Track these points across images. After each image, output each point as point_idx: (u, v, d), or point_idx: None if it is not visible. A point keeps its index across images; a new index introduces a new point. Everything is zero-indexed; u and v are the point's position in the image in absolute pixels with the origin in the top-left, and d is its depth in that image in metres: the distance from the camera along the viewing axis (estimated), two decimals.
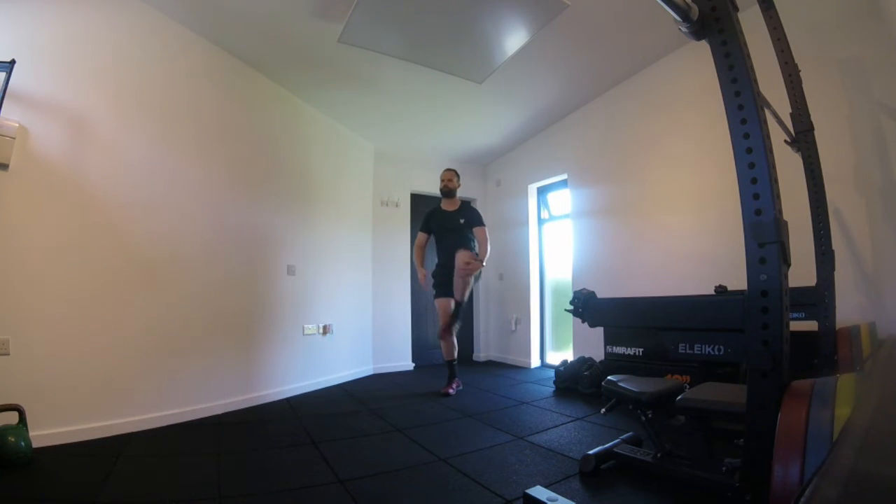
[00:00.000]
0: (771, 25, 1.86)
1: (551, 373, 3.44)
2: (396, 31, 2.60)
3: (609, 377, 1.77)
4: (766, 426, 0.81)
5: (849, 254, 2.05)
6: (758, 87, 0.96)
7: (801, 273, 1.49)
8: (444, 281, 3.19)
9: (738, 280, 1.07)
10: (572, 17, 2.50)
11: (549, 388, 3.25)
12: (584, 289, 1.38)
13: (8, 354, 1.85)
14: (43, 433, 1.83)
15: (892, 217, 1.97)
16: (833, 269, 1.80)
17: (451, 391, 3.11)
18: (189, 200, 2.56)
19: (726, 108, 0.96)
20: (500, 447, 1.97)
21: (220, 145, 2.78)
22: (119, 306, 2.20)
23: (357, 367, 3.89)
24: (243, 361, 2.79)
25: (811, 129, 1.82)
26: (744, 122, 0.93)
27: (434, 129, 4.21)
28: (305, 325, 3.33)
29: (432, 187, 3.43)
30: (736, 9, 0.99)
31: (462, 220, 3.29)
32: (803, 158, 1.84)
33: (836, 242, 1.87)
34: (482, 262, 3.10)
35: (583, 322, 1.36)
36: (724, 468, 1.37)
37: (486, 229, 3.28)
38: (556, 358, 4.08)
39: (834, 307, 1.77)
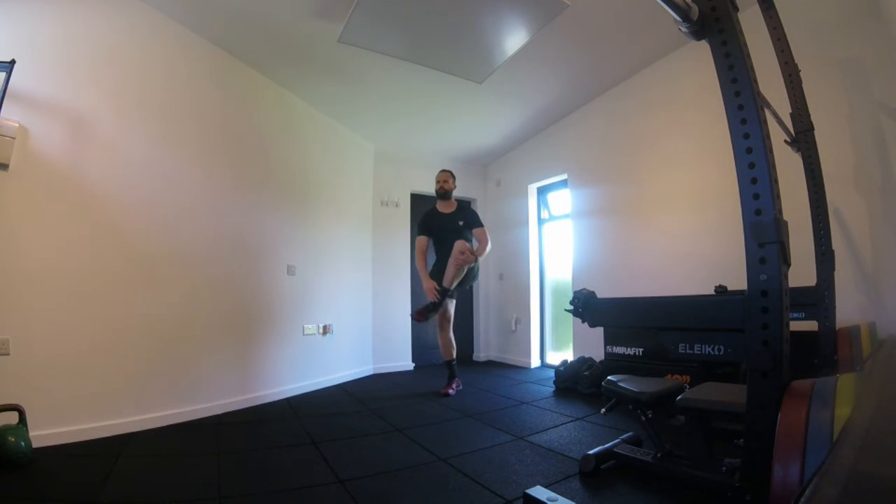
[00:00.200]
0: (771, 25, 1.86)
1: (551, 373, 3.44)
2: (396, 30, 2.60)
3: (609, 377, 1.77)
4: (766, 426, 0.81)
5: (849, 254, 2.05)
6: (758, 87, 0.96)
7: (801, 273, 1.49)
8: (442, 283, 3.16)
9: (738, 280, 1.07)
10: (572, 17, 2.50)
11: (549, 388, 3.25)
12: (584, 289, 1.38)
13: (8, 354, 1.85)
14: (43, 433, 1.83)
15: (892, 217, 1.97)
16: (833, 269, 1.80)
17: (451, 391, 3.11)
18: (189, 200, 2.56)
19: (726, 108, 0.96)
20: (500, 447, 1.97)
21: (221, 145, 2.78)
22: (119, 306, 2.20)
23: (357, 367, 3.89)
24: (243, 361, 2.79)
25: (811, 129, 1.82)
26: (744, 122, 0.93)
27: (434, 129, 4.22)
28: (305, 325, 3.33)
29: (432, 187, 3.42)
30: (736, 9, 0.99)
31: (461, 222, 3.26)
32: (803, 158, 1.84)
33: (836, 242, 1.87)
34: (477, 257, 3.07)
35: (583, 322, 1.36)
36: (724, 468, 1.37)
37: (486, 230, 3.28)
38: (556, 358, 4.08)
39: (834, 307, 1.77)
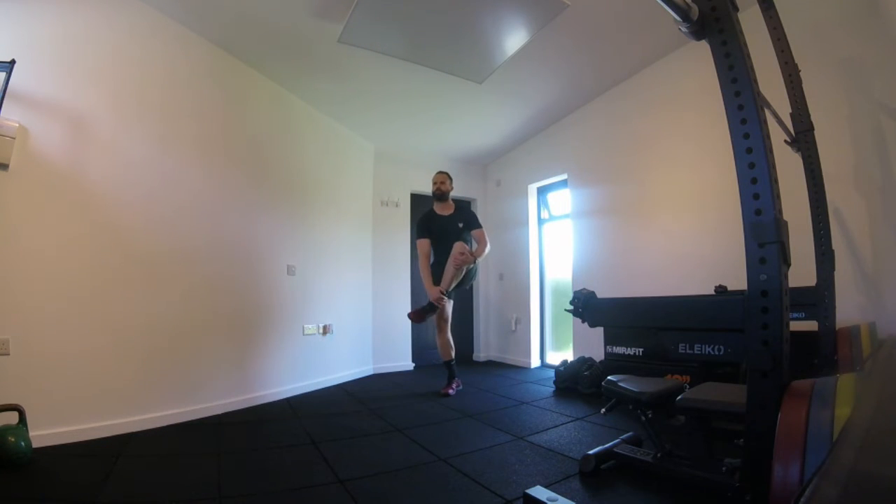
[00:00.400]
0: (771, 25, 1.86)
1: (551, 373, 3.44)
2: (396, 31, 2.60)
3: (609, 377, 1.77)
4: (766, 426, 0.81)
5: (849, 254, 2.05)
6: (758, 87, 0.96)
7: (801, 273, 1.49)
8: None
9: (738, 280, 1.07)
10: (572, 17, 2.50)
11: (549, 388, 3.24)
12: (584, 289, 1.38)
13: (8, 354, 1.85)
14: (43, 433, 1.83)
15: (892, 217, 1.97)
16: (833, 269, 1.80)
17: (451, 392, 3.10)
18: (189, 200, 2.56)
19: (726, 109, 0.96)
20: (500, 447, 1.97)
21: (221, 145, 2.78)
22: (119, 306, 2.20)
23: (357, 367, 3.89)
24: (243, 361, 2.79)
25: (811, 129, 1.82)
26: (744, 122, 0.93)
27: (434, 129, 4.22)
28: (305, 325, 3.33)
29: (431, 193, 3.41)
30: (736, 9, 0.99)
31: (461, 224, 3.25)
32: (803, 158, 1.84)
33: (836, 242, 1.87)
34: (476, 258, 3.07)
35: (583, 322, 1.36)
36: (724, 468, 1.37)
37: (485, 231, 3.28)
38: (556, 358, 4.08)
39: (834, 307, 1.77)
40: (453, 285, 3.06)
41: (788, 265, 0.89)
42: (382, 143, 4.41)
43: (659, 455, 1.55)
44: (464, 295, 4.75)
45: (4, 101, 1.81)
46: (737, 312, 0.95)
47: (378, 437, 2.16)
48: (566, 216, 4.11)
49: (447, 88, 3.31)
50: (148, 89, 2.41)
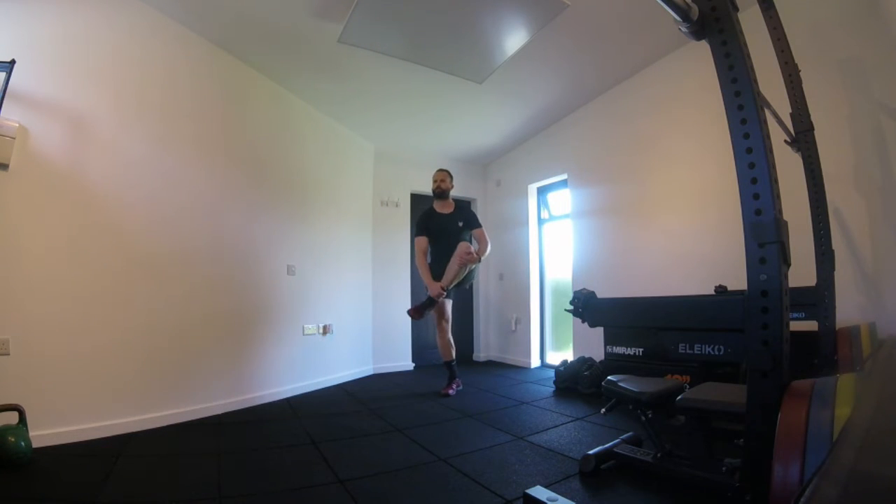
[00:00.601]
0: (771, 25, 1.86)
1: (551, 373, 3.44)
2: (396, 31, 2.60)
3: (609, 377, 1.77)
4: (766, 426, 0.81)
5: (849, 254, 2.05)
6: (758, 87, 0.96)
7: (801, 273, 1.49)
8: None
9: (738, 280, 1.07)
10: (572, 17, 2.50)
11: (549, 388, 3.24)
12: (584, 289, 1.38)
13: (8, 354, 1.85)
14: (43, 433, 1.83)
15: (892, 217, 1.97)
16: (833, 269, 1.80)
17: (451, 392, 3.10)
18: (189, 200, 2.56)
19: (726, 109, 0.96)
20: (500, 447, 1.97)
21: (221, 145, 2.78)
22: (119, 306, 2.20)
23: (357, 367, 3.89)
24: (243, 361, 2.79)
25: (811, 129, 1.82)
26: (744, 122, 0.93)
27: (434, 128, 4.22)
28: (305, 325, 3.33)
29: (431, 187, 3.42)
30: (736, 9, 0.99)
31: (461, 223, 3.25)
32: (803, 158, 1.84)
33: (836, 242, 1.87)
34: (480, 258, 3.08)
35: (583, 322, 1.36)
36: (724, 468, 1.37)
37: (485, 231, 3.28)
38: (556, 358, 4.08)
39: (834, 307, 1.77)
40: (454, 283, 3.06)
41: (788, 265, 0.89)
42: (382, 143, 4.41)
43: (659, 455, 1.55)
44: (464, 295, 4.75)
45: (4, 101, 1.81)
46: (737, 312, 0.95)
47: (378, 437, 2.16)
48: (566, 216, 4.11)
49: (447, 88, 3.31)
50: (148, 89, 2.41)
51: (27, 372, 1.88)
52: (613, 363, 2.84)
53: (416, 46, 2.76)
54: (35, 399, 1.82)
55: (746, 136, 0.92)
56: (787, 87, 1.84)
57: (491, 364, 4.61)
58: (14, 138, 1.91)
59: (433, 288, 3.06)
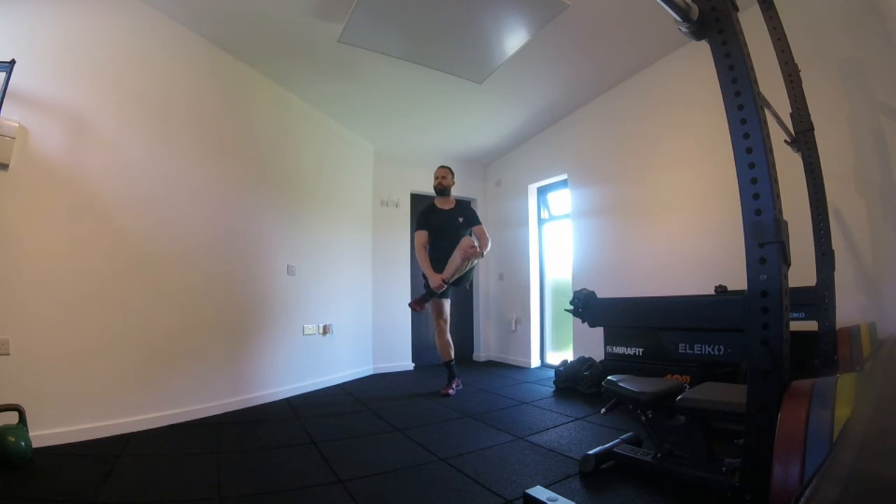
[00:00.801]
0: (771, 25, 1.86)
1: (551, 373, 3.44)
2: (396, 31, 2.60)
3: (609, 377, 1.77)
4: (766, 426, 0.81)
5: (849, 254, 2.05)
6: (758, 87, 0.96)
7: (801, 273, 1.49)
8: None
9: (738, 280, 1.07)
10: (572, 17, 2.50)
11: (549, 388, 3.24)
12: (584, 289, 1.38)
13: (8, 354, 1.85)
14: (43, 433, 1.83)
15: (892, 217, 1.97)
16: (833, 269, 1.80)
17: (451, 392, 3.10)
18: (189, 200, 2.56)
19: (726, 109, 0.96)
20: (500, 447, 1.97)
21: (221, 145, 2.78)
22: (119, 306, 2.20)
23: (357, 368, 3.89)
24: (242, 361, 2.79)
25: (811, 129, 1.82)
26: (744, 122, 0.93)
27: (434, 128, 4.22)
28: (305, 325, 3.33)
29: (432, 187, 3.42)
30: (736, 9, 0.99)
31: (461, 219, 3.27)
32: (803, 158, 1.84)
33: (836, 242, 1.87)
34: (482, 253, 3.09)
35: (583, 322, 1.36)
36: (724, 468, 1.37)
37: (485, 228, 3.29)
38: (556, 358, 4.08)
39: (834, 307, 1.77)
40: (454, 277, 3.06)
41: (788, 265, 0.89)
42: (382, 143, 4.41)
43: (659, 455, 1.55)
44: (464, 295, 4.76)
45: (4, 101, 1.81)
46: (737, 312, 0.95)
47: (378, 437, 2.16)
48: (566, 216, 4.11)
49: (447, 88, 3.31)
50: (148, 89, 2.41)
51: (27, 372, 1.88)
52: (613, 363, 2.84)
53: (416, 46, 2.76)
54: (35, 399, 1.82)
55: (746, 136, 0.92)
56: (787, 87, 1.84)
57: (491, 364, 4.61)
58: (14, 138, 1.91)
59: (434, 279, 3.06)
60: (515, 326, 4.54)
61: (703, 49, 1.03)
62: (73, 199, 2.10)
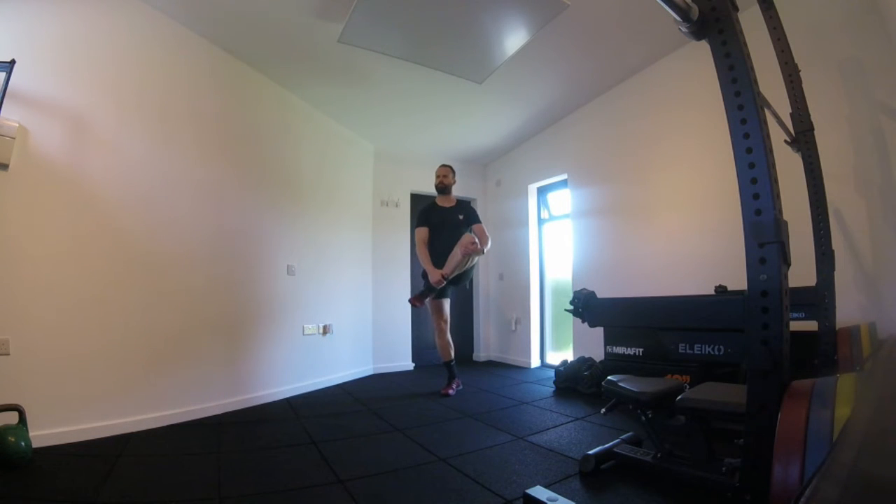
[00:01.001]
0: (771, 25, 1.86)
1: (551, 373, 3.44)
2: (396, 31, 2.60)
3: (609, 377, 1.77)
4: (766, 426, 0.81)
5: (849, 254, 2.05)
6: (758, 87, 0.96)
7: (801, 273, 1.49)
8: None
9: (738, 280, 1.07)
10: (572, 17, 2.50)
11: (549, 388, 3.24)
12: (584, 289, 1.38)
13: (8, 354, 1.85)
14: (43, 433, 1.83)
15: (892, 217, 1.97)
16: (833, 269, 1.80)
17: (450, 392, 3.10)
18: (189, 200, 2.56)
19: (726, 109, 0.96)
20: (500, 447, 1.97)
21: (221, 145, 2.78)
22: (119, 306, 2.20)
23: (357, 368, 3.89)
24: (243, 361, 2.79)
25: (811, 129, 1.82)
26: (744, 122, 0.93)
27: (434, 128, 4.22)
28: (305, 325, 3.33)
29: (432, 187, 3.43)
30: (736, 9, 0.99)
31: (461, 217, 3.29)
32: (803, 158, 1.84)
33: (836, 242, 1.87)
34: (482, 250, 3.09)
35: (583, 322, 1.36)
36: (724, 468, 1.37)
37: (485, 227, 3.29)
38: (556, 358, 4.08)
39: (834, 307, 1.77)
40: (454, 273, 3.07)
41: (788, 265, 0.89)
42: (382, 143, 4.41)
43: (659, 455, 1.55)
44: (464, 295, 4.76)
45: (4, 101, 1.81)
46: (737, 312, 0.95)
47: (378, 437, 2.16)
48: (566, 216, 4.11)
49: (447, 88, 3.31)
50: (148, 89, 2.41)
51: (27, 372, 1.88)
52: (613, 363, 2.84)
53: (415, 46, 2.76)
54: (35, 399, 1.82)
55: (746, 136, 0.92)
56: (787, 87, 1.84)
57: (491, 364, 4.61)
58: (14, 138, 1.91)
59: (434, 274, 3.07)
60: (515, 326, 4.54)
61: (703, 49, 1.03)
62: (73, 199, 2.10)
